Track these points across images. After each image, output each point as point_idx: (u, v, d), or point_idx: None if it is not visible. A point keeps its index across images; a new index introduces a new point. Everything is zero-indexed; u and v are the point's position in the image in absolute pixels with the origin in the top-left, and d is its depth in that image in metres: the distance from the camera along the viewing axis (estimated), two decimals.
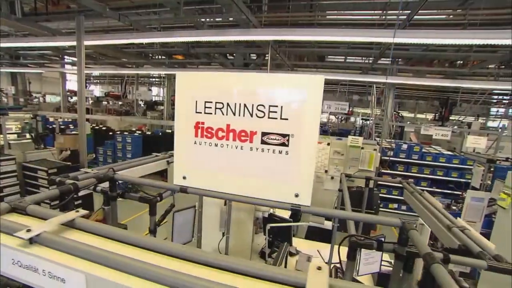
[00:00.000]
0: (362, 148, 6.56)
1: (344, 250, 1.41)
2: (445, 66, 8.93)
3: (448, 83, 8.99)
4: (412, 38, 4.58)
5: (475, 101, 10.07)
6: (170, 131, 10.76)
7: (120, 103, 16.32)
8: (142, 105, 16.02)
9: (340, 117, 15.29)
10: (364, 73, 10.01)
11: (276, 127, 1.22)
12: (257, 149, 1.27)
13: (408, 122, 14.42)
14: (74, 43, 5.29)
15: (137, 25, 6.32)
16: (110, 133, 9.93)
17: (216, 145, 1.34)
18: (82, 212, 1.15)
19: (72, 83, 17.57)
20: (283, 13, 6.01)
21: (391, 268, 2.68)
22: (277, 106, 1.21)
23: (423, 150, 7.93)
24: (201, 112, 1.34)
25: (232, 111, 1.28)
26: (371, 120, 10.26)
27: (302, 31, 4.82)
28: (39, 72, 15.20)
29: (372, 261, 1.73)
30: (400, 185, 2.58)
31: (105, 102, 16.34)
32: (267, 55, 8.20)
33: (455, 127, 11.30)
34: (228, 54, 10.73)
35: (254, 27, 5.42)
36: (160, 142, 9.18)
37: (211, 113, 1.32)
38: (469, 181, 6.53)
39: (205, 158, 1.37)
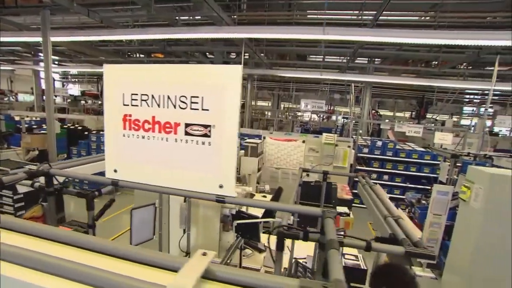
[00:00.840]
0: (336, 145, 6.68)
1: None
2: (419, 65, 9.22)
3: (420, 82, 9.30)
4: (383, 37, 4.80)
5: (446, 100, 10.47)
6: None
7: (99, 102, 15.88)
8: None
9: (321, 116, 15.49)
10: (342, 72, 10.20)
11: (198, 118, 1.23)
12: (181, 140, 1.27)
13: (387, 120, 14.78)
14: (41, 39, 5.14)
15: (108, 22, 6.18)
16: (86, 133, 9.62)
17: (143, 137, 1.33)
18: None
19: None
20: (262, 12, 6.04)
21: (358, 262, 2.75)
22: (198, 97, 1.21)
23: (397, 147, 8.15)
24: (128, 105, 1.33)
25: (156, 103, 1.27)
26: (350, 118, 10.47)
27: (272, 29, 4.86)
28: (10, 70, 14.55)
29: None
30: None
31: (83, 102, 15.87)
32: (245, 53, 8.23)
33: (428, 124, 11.69)
34: (208, 53, 10.67)
35: (227, 25, 5.42)
36: None
37: (137, 105, 1.31)
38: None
39: (133, 151, 1.36)
